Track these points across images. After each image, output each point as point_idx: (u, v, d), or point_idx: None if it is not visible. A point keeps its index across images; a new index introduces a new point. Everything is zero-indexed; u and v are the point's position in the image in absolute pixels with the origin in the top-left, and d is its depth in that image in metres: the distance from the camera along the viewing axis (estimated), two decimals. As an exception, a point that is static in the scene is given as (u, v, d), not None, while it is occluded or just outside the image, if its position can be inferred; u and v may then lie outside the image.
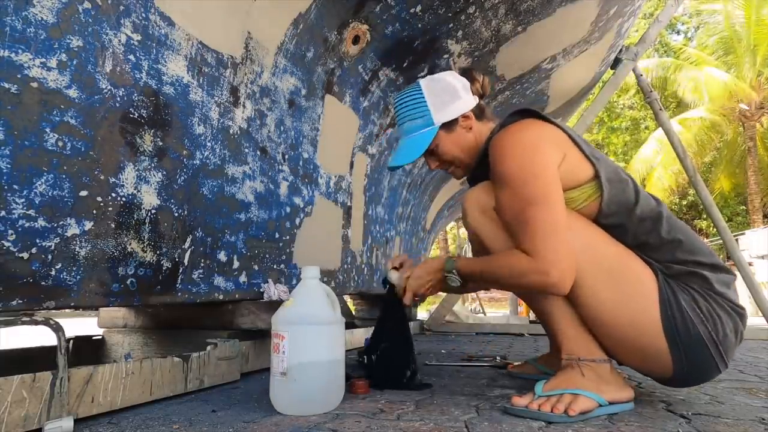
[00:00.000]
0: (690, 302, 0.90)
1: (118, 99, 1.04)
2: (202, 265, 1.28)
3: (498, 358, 1.67)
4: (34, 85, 0.87)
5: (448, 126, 1.14)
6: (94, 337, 1.58)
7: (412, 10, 1.80)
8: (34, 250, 0.88)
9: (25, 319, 0.82)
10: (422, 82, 1.17)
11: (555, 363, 1.12)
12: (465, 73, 1.20)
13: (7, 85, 0.83)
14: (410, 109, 1.16)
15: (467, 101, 1.15)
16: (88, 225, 0.98)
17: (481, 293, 9.66)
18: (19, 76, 0.85)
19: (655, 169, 13.90)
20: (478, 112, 1.17)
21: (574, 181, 0.99)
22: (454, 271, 1.09)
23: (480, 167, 1.16)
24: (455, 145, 1.16)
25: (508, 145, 1.01)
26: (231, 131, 1.38)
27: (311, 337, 0.94)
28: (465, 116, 1.15)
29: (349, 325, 2.43)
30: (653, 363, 0.95)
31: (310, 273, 1.01)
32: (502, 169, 0.99)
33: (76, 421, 0.84)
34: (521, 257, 0.94)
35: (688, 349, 0.90)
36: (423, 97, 1.14)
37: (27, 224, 0.87)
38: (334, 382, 0.97)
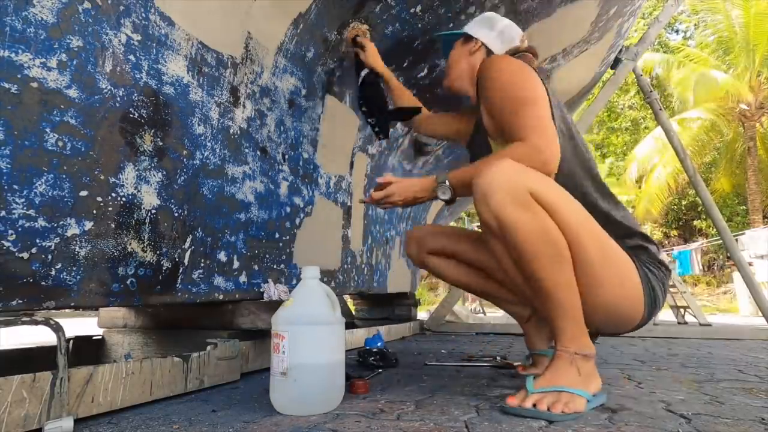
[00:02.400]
0: (652, 277, 1.09)
1: (118, 99, 1.04)
2: (202, 265, 1.28)
3: (498, 358, 1.68)
4: (34, 85, 0.87)
5: (466, 40, 1.35)
6: (94, 337, 1.58)
7: (412, 10, 1.80)
8: (34, 250, 0.88)
9: (25, 319, 0.82)
10: (477, 17, 1.40)
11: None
12: (531, 49, 1.33)
13: (7, 85, 0.83)
14: (471, 22, 1.40)
15: (493, 39, 1.32)
16: (88, 225, 0.98)
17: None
18: (19, 76, 0.85)
19: (654, 168, 13.92)
20: (498, 52, 1.32)
21: None
22: (446, 181, 1.12)
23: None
24: (461, 57, 1.35)
25: (501, 61, 1.14)
26: (231, 131, 1.38)
27: (311, 337, 0.94)
28: (478, 44, 1.33)
29: (349, 325, 2.43)
30: (622, 325, 1.11)
31: (310, 273, 1.01)
32: (496, 76, 1.11)
33: (76, 421, 0.84)
34: (514, 145, 1.03)
35: (650, 313, 1.09)
36: (477, 21, 1.38)
37: (27, 224, 0.87)
38: (334, 382, 0.97)
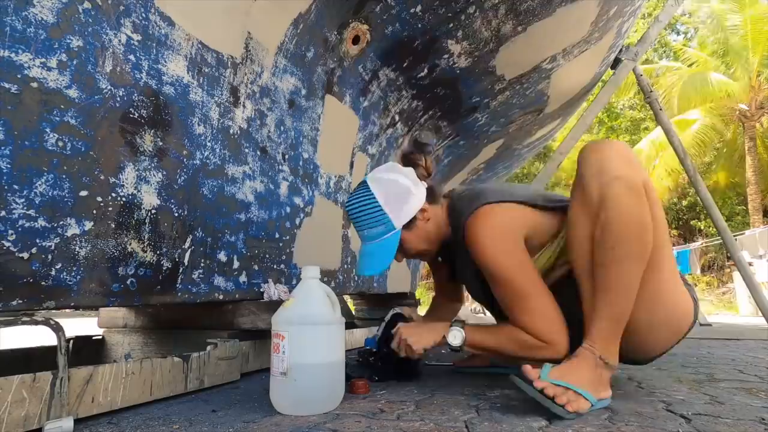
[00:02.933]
0: (693, 294, 1.09)
1: (118, 99, 1.04)
2: (202, 265, 1.28)
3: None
4: (34, 85, 0.87)
5: (409, 225, 1.17)
6: (94, 337, 1.58)
7: (412, 10, 1.80)
8: (34, 250, 0.88)
9: (25, 319, 0.82)
10: (373, 186, 1.16)
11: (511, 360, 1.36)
12: (406, 159, 1.26)
13: (7, 85, 0.83)
14: (368, 216, 1.16)
15: (420, 195, 1.18)
16: (88, 225, 0.98)
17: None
18: (19, 76, 0.85)
19: (654, 169, 13.92)
20: (431, 198, 1.21)
21: (550, 234, 1.14)
22: (462, 332, 1.12)
23: (448, 246, 1.26)
24: (419, 239, 1.21)
25: (483, 237, 1.09)
26: (231, 131, 1.38)
27: (311, 337, 0.94)
28: (422, 210, 1.18)
29: (349, 325, 2.43)
30: (662, 344, 1.08)
31: (311, 273, 1.01)
32: (486, 263, 1.08)
33: (76, 421, 0.84)
34: (529, 337, 1.05)
35: (687, 332, 1.07)
36: (378, 204, 1.15)
37: (27, 224, 0.87)
38: (334, 383, 0.97)
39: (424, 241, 1.22)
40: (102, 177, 1.01)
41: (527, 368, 0.92)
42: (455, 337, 1.12)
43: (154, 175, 1.13)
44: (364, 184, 1.20)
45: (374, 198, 1.15)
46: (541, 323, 1.04)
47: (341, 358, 0.99)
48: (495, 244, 1.07)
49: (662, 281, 0.99)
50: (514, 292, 1.06)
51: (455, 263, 1.34)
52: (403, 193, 1.16)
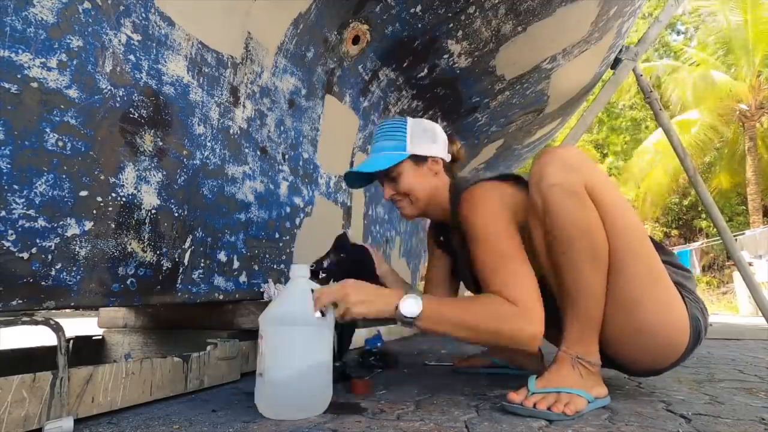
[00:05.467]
0: (696, 307, 1.01)
1: (118, 99, 1.04)
2: (202, 265, 1.28)
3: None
4: (34, 85, 0.87)
5: (417, 160, 1.21)
6: (94, 337, 1.58)
7: (412, 10, 1.80)
8: (34, 250, 0.88)
9: (25, 319, 0.82)
10: (409, 119, 1.24)
11: (507, 353, 1.41)
12: (447, 134, 1.31)
13: (7, 85, 0.83)
14: (389, 131, 1.22)
15: (440, 152, 1.24)
16: (88, 225, 0.98)
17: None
18: (19, 76, 0.85)
19: (653, 170, 13.93)
20: (447, 168, 1.27)
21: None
22: (419, 300, 0.96)
23: (441, 226, 1.32)
24: (417, 180, 1.21)
25: (474, 203, 1.09)
26: (231, 131, 1.38)
27: (286, 338, 0.90)
28: (435, 160, 1.22)
29: (350, 325, 2.42)
30: (661, 356, 1.01)
31: (298, 272, 0.97)
32: (474, 223, 1.06)
33: (76, 421, 0.84)
34: (505, 303, 0.94)
35: (693, 346, 1.00)
36: (405, 128, 1.21)
37: (27, 224, 0.87)
38: (312, 387, 0.91)
39: (420, 185, 1.21)
40: (102, 177, 1.01)
41: (512, 396, 0.92)
42: (410, 306, 0.93)
43: (154, 175, 1.13)
44: (404, 117, 1.28)
45: (405, 123, 1.22)
46: (519, 285, 0.96)
47: (323, 361, 0.93)
48: (485, 206, 1.07)
49: (630, 285, 0.95)
50: (495, 253, 1.00)
51: (455, 255, 1.32)
52: (430, 135, 1.22)
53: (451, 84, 2.39)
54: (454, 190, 1.21)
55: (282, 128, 1.62)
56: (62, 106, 0.92)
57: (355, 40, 1.82)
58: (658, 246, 1.06)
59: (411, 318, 0.94)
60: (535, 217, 1.01)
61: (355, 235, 2.22)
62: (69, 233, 0.94)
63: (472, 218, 1.07)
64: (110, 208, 1.02)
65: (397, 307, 0.94)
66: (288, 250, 1.67)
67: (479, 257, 1.03)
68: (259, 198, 1.51)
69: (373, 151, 1.23)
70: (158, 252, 1.15)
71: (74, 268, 0.95)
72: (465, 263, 1.22)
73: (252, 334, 1.44)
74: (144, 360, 1.01)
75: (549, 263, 1.01)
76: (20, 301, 0.85)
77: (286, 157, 1.65)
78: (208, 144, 1.30)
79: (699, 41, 14.68)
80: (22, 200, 0.86)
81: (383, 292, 0.98)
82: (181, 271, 1.21)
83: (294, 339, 0.90)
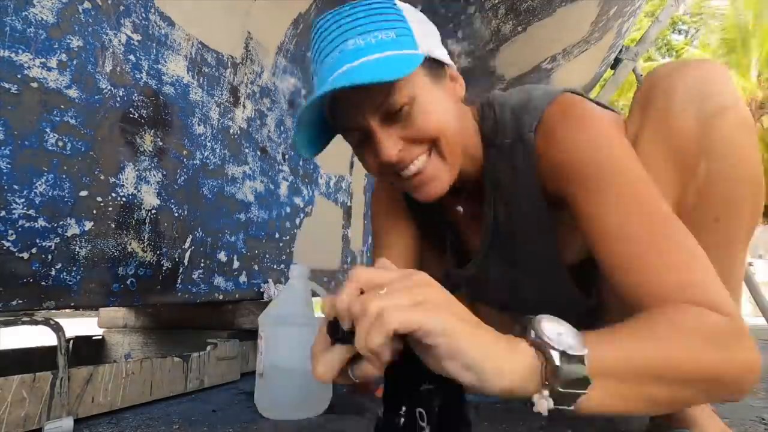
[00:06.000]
0: None
1: (118, 99, 1.04)
2: (202, 265, 1.28)
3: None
4: (34, 85, 0.87)
5: (434, 70, 0.63)
6: (94, 337, 1.58)
7: (412, 10, 1.80)
8: (34, 250, 0.88)
9: (25, 319, 0.82)
10: (400, 5, 0.64)
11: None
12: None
13: (7, 85, 0.83)
14: (374, 13, 0.60)
15: (448, 59, 0.67)
16: (88, 225, 0.98)
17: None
18: (19, 76, 0.85)
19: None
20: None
21: None
22: (584, 358, 0.40)
23: (459, 191, 0.72)
24: (443, 107, 0.62)
25: (599, 125, 0.60)
26: (231, 131, 1.38)
27: (285, 338, 0.91)
28: (454, 75, 0.68)
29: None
30: None
31: (296, 272, 0.97)
32: (602, 162, 0.57)
33: (76, 421, 0.84)
34: (705, 314, 0.46)
35: None
36: (401, 13, 0.62)
37: (27, 224, 0.87)
38: (311, 388, 0.91)
39: (450, 114, 0.64)
40: (102, 177, 1.01)
41: None
42: (569, 342, 0.39)
43: (154, 175, 1.13)
44: None
45: (394, 5, 0.63)
46: (711, 275, 0.50)
47: None
48: (612, 135, 0.59)
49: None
50: (655, 218, 0.52)
51: (442, 237, 0.86)
52: (432, 31, 0.67)
53: (451, 84, 2.38)
54: (498, 123, 0.69)
55: (282, 128, 1.62)
56: (62, 106, 0.92)
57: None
58: None
59: (571, 404, 0.40)
60: (666, 156, 0.62)
61: (355, 236, 2.23)
62: (69, 233, 0.94)
63: (593, 154, 0.57)
64: (110, 208, 1.03)
65: (548, 362, 0.39)
66: (288, 250, 1.67)
67: (614, 214, 0.54)
68: (259, 198, 1.51)
69: (351, 55, 0.58)
70: (158, 252, 1.15)
71: (74, 268, 0.95)
72: (528, 227, 0.70)
73: (252, 334, 1.44)
74: (144, 360, 1.01)
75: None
76: (20, 301, 0.85)
77: (286, 157, 1.65)
78: (208, 144, 1.30)
79: (701, 42, 14.68)
80: (22, 200, 0.86)
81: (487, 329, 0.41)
82: (181, 271, 1.21)
83: (293, 339, 0.90)
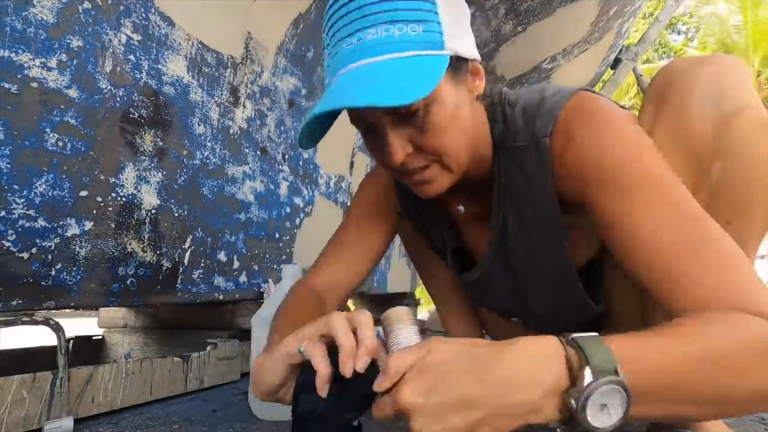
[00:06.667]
0: None
1: (118, 99, 1.04)
2: (202, 265, 1.28)
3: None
4: (34, 85, 0.87)
5: (458, 67, 0.58)
6: (94, 337, 1.58)
7: (412, 10, 1.80)
8: (34, 250, 0.88)
9: (25, 319, 0.82)
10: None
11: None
12: None
13: (7, 85, 0.83)
14: (408, 4, 0.53)
15: (474, 49, 0.62)
16: (88, 225, 0.98)
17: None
18: (19, 76, 0.85)
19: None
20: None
21: None
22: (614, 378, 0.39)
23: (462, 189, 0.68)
24: (458, 119, 0.58)
25: (621, 125, 0.57)
26: (231, 131, 1.38)
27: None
28: (476, 69, 0.62)
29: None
30: None
31: (288, 272, 0.97)
32: (628, 163, 0.54)
33: (76, 421, 0.84)
34: (752, 321, 0.43)
35: None
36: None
37: (27, 224, 0.87)
38: None
39: (466, 128, 0.60)
40: (102, 177, 1.01)
41: None
42: (606, 399, 0.39)
43: (154, 175, 1.13)
44: None
45: None
46: (754, 278, 0.47)
47: None
48: (639, 138, 0.56)
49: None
50: (689, 220, 0.50)
51: (440, 243, 0.83)
52: (464, 14, 0.61)
53: (451, 84, 2.39)
54: (510, 119, 0.65)
55: (282, 128, 1.62)
56: (62, 106, 0.92)
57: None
58: None
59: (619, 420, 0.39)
60: (679, 154, 0.60)
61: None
62: (69, 233, 0.94)
63: (618, 157, 0.54)
64: (110, 208, 1.02)
65: (573, 384, 0.39)
66: (288, 250, 1.67)
67: (649, 233, 0.51)
68: (259, 198, 1.51)
69: (366, 44, 0.53)
70: (158, 252, 1.15)
71: (74, 268, 0.95)
72: (538, 231, 0.67)
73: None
74: (144, 360, 1.01)
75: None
76: (20, 301, 0.85)
77: (286, 157, 1.65)
78: (208, 144, 1.30)
79: (700, 42, 14.70)
80: (22, 200, 0.86)
81: (496, 355, 0.41)
82: (181, 271, 1.21)
83: None
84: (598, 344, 0.40)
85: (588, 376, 0.38)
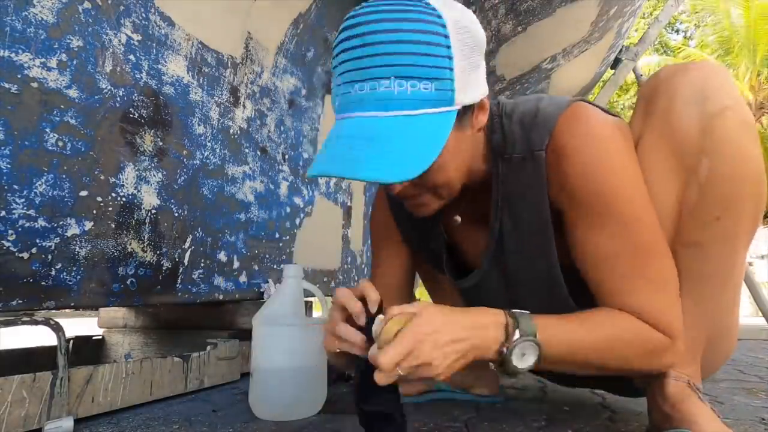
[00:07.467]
0: None
1: (118, 99, 1.04)
2: (202, 265, 1.28)
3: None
4: (34, 85, 0.87)
5: (464, 114, 0.61)
6: (94, 337, 1.58)
7: (412, 10, 1.80)
8: (34, 250, 0.88)
9: (25, 319, 0.82)
10: (447, 15, 0.56)
11: (459, 379, 0.96)
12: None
13: (7, 85, 0.83)
14: (423, 55, 0.54)
15: (484, 84, 0.64)
16: (88, 225, 0.98)
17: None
18: (19, 76, 0.85)
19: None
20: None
21: None
22: (532, 338, 0.58)
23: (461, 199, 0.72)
24: (459, 158, 0.65)
25: (609, 142, 0.64)
26: (231, 131, 1.38)
27: (270, 338, 0.91)
28: (483, 104, 0.64)
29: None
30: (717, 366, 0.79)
31: (289, 272, 0.96)
32: (605, 186, 0.62)
33: (76, 421, 0.84)
34: (654, 333, 0.62)
35: None
36: (447, 42, 0.55)
37: (27, 224, 0.87)
38: (301, 388, 0.90)
39: (461, 167, 0.67)
40: (102, 177, 1.01)
41: None
42: (523, 359, 0.59)
43: (154, 175, 1.13)
44: (424, 2, 0.57)
45: (446, 31, 0.56)
46: (670, 300, 0.63)
47: (312, 364, 0.90)
48: (619, 155, 0.63)
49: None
50: (637, 244, 0.62)
51: (432, 247, 0.85)
52: (479, 51, 0.61)
53: (451, 84, 2.38)
54: (507, 132, 0.69)
55: (282, 128, 1.62)
56: (62, 106, 0.92)
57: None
58: None
59: (525, 368, 0.60)
60: (667, 155, 0.65)
61: (355, 236, 2.23)
62: (69, 233, 0.94)
63: (601, 176, 0.62)
64: (110, 208, 1.02)
65: (507, 339, 0.58)
66: (288, 250, 1.67)
67: (605, 244, 0.63)
68: (259, 198, 1.51)
69: (378, 96, 0.55)
70: (158, 252, 1.15)
71: (74, 268, 0.95)
72: (528, 236, 0.71)
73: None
74: (144, 360, 1.01)
75: (677, 238, 0.66)
76: (20, 301, 0.85)
77: (286, 157, 1.65)
78: (208, 144, 1.30)
79: (699, 41, 14.70)
80: (22, 200, 0.86)
81: (471, 316, 0.59)
82: (181, 271, 1.21)
83: (282, 339, 0.90)
84: (527, 318, 0.60)
85: (516, 334, 0.58)
